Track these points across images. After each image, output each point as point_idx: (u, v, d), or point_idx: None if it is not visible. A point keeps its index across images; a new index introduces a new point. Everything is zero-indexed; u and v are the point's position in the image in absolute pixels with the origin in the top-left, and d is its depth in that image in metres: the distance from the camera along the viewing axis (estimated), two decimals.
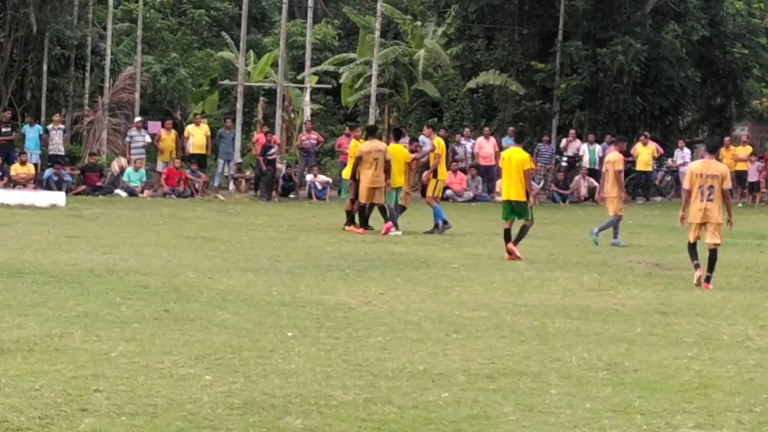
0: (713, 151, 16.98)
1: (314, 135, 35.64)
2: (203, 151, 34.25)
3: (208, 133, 34.60)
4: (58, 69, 36.17)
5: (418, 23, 42.95)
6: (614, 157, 22.21)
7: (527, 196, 19.17)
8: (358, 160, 23.10)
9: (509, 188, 19.15)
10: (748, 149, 38.38)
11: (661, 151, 37.85)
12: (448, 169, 28.48)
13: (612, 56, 38.26)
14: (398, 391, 8.90)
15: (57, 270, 15.34)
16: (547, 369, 9.91)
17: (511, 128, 36.69)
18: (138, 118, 34.68)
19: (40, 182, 31.82)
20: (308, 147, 35.06)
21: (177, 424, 7.74)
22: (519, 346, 10.95)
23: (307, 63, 37.83)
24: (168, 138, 33.98)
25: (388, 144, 24.55)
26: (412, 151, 24.34)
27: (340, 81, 42.77)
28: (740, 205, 34.62)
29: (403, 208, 23.95)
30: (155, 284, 14.40)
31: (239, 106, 36.84)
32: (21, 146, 32.92)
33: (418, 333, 11.56)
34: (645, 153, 36.40)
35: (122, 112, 36.21)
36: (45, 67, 35.41)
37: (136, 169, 32.79)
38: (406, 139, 26.84)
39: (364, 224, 23.19)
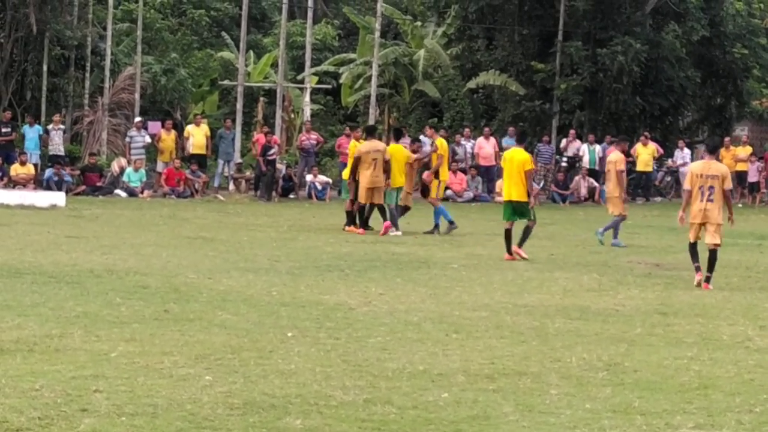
0: (713, 151, 16.99)
1: (314, 135, 35.64)
2: (203, 152, 34.26)
3: (208, 133, 34.61)
4: (58, 69, 36.18)
5: (418, 23, 42.96)
6: (616, 157, 22.27)
7: (528, 196, 19.21)
8: (357, 161, 23.11)
9: (511, 189, 19.18)
10: (748, 149, 38.38)
11: (661, 151, 37.84)
12: (448, 169, 28.46)
13: (612, 56, 38.26)
14: (398, 391, 8.90)
15: (57, 270, 15.34)
16: (547, 369, 9.91)
17: (511, 128, 36.77)
18: (138, 119, 34.68)
19: (40, 182, 31.81)
20: (308, 147, 35.06)
21: (177, 425, 7.74)
22: (519, 347, 10.95)
23: (307, 63, 37.83)
24: (168, 138, 33.98)
25: (388, 144, 24.56)
26: (414, 151, 24.34)
27: (340, 81, 42.78)
28: (740, 205, 34.61)
29: (406, 208, 23.94)
30: (155, 284, 14.40)
31: (239, 106, 36.85)
32: (21, 146, 32.92)
33: (418, 333, 11.56)
34: (645, 153, 36.39)
35: (122, 112, 36.21)
36: (45, 68, 35.41)
37: (136, 170, 32.79)
38: (406, 140, 26.84)
39: (364, 225, 23.19)
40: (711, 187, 16.03)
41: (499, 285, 15.56)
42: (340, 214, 24.57)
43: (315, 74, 40.43)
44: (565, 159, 37.09)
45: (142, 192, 32.19)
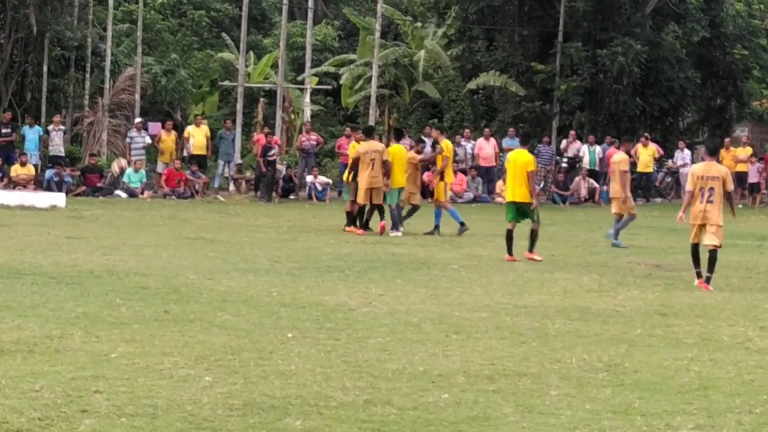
0: (713, 153, 17.02)
1: (314, 136, 35.65)
2: (203, 152, 34.27)
3: (208, 134, 34.62)
4: (59, 70, 36.18)
5: (419, 24, 42.97)
6: (620, 157, 22.40)
7: (532, 197, 19.27)
8: (356, 161, 23.14)
9: (515, 189, 19.24)
10: (749, 150, 38.36)
11: (662, 152, 37.83)
12: None
13: (612, 57, 38.27)
14: (398, 392, 8.90)
15: (57, 271, 15.34)
16: (547, 370, 9.91)
17: (511, 129, 36.80)
18: (138, 119, 34.68)
19: (40, 183, 31.81)
20: (308, 148, 35.06)
21: (177, 425, 7.74)
22: (519, 348, 10.95)
23: (308, 64, 37.84)
24: (168, 139, 33.99)
25: (388, 145, 24.55)
26: (417, 152, 24.34)
27: (341, 82, 42.79)
28: (740, 206, 34.54)
29: (416, 208, 23.92)
30: (155, 285, 14.40)
31: (239, 107, 36.86)
32: (21, 147, 32.93)
33: (418, 334, 11.56)
34: (645, 154, 36.38)
35: (122, 113, 36.21)
36: (45, 68, 35.41)
37: (137, 170, 32.79)
38: (407, 140, 26.85)
39: (364, 226, 23.19)
40: (711, 189, 16.07)
41: (500, 286, 15.56)
42: (341, 215, 24.57)
43: (315, 75, 40.45)
44: (565, 160, 37.08)
45: (142, 193, 32.19)
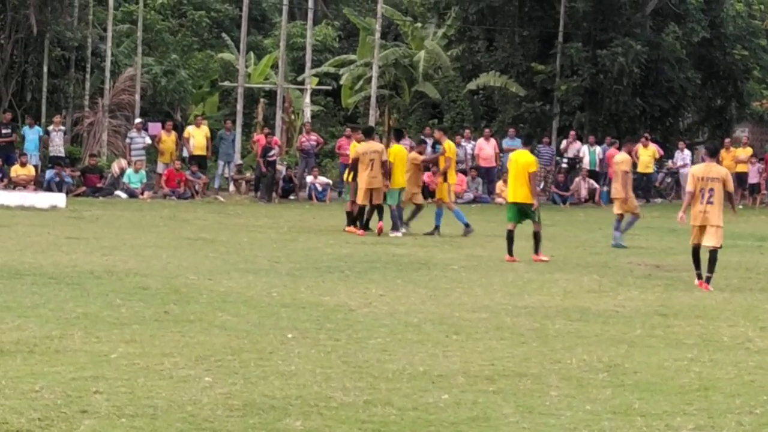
0: (713, 154, 17.03)
1: (314, 136, 35.65)
2: (203, 153, 34.27)
3: (208, 134, 34.61)
4: (59, 70, 36.18)
5: (419, 25, 42.98)
6: (622, 158, 22.45)
7: (533, 198, 19.29)
8: (355, 162, 23.15)
9: (516, 190, 19.25)
10: (749, 151, 38.36)
11: (662, 152, 37.81)
12: None
13: (612, 58, 38.27)
14: (398, 392, 8.90)
15: (57, 271, 15.34)
16: (547, 371, 9.91)
17: (511, 129, 36.80)
18: (138, 120, 34.69)
19: (40, 184, 31.81)
20: (308, 148, 35.07)
21: (177, 426, 7.74)
22: (519, 348, 10.95)
23: (308, 64, 37.84)
24: (168, 139, 33.99)
25: (389, 145, 24.55)
26: (419, 153, 24.33)
27: (341, 82, 42.80)
28: (741, 206, 34.54)
29: (419, 207, 23.92)
30: (155, 286, 14.40)
31: (239, 107, 36.87)
32: (21, 148, 32.93)
33: (418, 335, 11.56)
34: (645, 155, 36.37)
35: (122, 113, 36.22)
36: (45, 69, 35.41)
37: (137, 171, 32.79)
38: (407, 140, 26.84)
39: (364, 226, 23.19)
40: (711, 190, 16.09)
41: (500, 286, 15.56)
42: (341, 216, 24.57)
43: (315, 75, 40.45)
44: (565, 160, 37.08)
45: (142, 193, 32.19)
